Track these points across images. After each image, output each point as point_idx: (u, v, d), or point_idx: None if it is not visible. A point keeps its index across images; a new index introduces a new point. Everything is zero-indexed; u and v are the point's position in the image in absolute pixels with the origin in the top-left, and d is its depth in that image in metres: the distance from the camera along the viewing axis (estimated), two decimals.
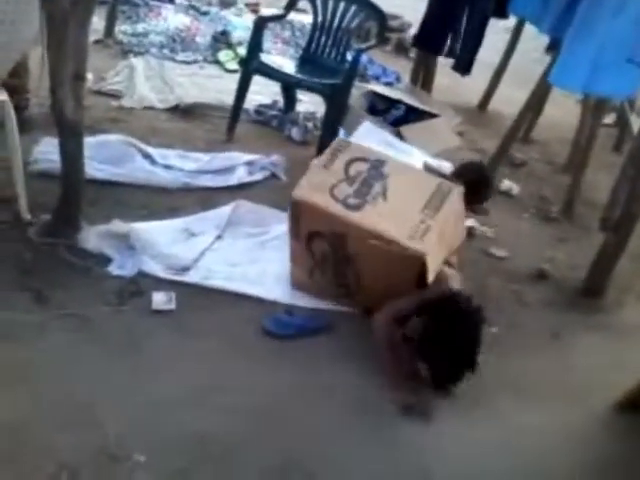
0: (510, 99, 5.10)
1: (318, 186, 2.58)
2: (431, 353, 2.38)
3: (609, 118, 5.22)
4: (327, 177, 2.61)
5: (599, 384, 2.62)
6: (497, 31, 5.18)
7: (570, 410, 2.47)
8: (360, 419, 2.26)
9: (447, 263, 2.70)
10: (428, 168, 2.79)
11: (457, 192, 2.60)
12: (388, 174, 2.61)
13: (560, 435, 2.34)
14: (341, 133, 3.92)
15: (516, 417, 2.35)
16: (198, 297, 2.69)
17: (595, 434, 2.43)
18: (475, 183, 3.14)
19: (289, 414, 2.23)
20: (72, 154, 2.77)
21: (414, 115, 4.28)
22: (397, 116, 4.37)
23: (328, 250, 2.62)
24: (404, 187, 2.59)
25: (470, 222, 3.68)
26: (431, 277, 2.46)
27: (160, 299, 2.60)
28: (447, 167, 3.52)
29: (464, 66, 5.26)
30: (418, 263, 2.43)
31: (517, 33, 5.28)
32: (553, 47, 4.87)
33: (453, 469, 2.11)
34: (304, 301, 2.78)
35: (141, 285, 2.67)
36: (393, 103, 4.49)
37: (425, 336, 2.37)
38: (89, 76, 4.04)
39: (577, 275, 3.38)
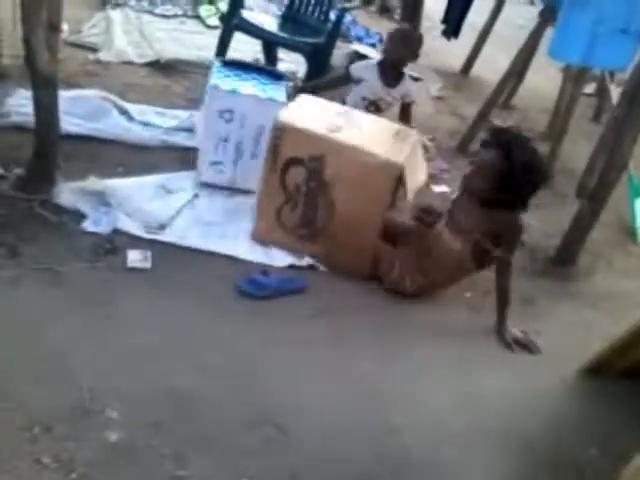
0: (493, 64, 5.08)
1: (302, 113, 2.84)
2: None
3: (589, 88, 5.22)
4: (311, 108, 2.94)
5: (568, 349, 2.67)
6: None
7: (537, 373, 2.52)
8: (334, 376, 2.29)
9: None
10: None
11: (415, 136, 3.01)
12: (359, 120, 2.98)
13: (525, 397, 2.38)
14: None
15: (483, 379, 2.39)
16: (174, 255, 2.68)
17: (560, 397, 2.47)
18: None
19: (262, 371, 2.24)
20: (46, 107, 2.71)
21: None
22: None
23: (303, 179, 2.74)
24: (374, 125, 3.01)
25: (443, 188, 3.70)
26: (409, 193, 2.78)
27: (135, 257, 2.58)
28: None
29: (451, 30, 5.23)
30: (395, 176, 2.64)
31: None
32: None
33: (416, 424, 2.15)
34: (280, 261, 2.79)
35: (116, 242, 2.64)
36: None
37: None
38: (64, 27, 3.93)
39: (551, 243, 3.42)
